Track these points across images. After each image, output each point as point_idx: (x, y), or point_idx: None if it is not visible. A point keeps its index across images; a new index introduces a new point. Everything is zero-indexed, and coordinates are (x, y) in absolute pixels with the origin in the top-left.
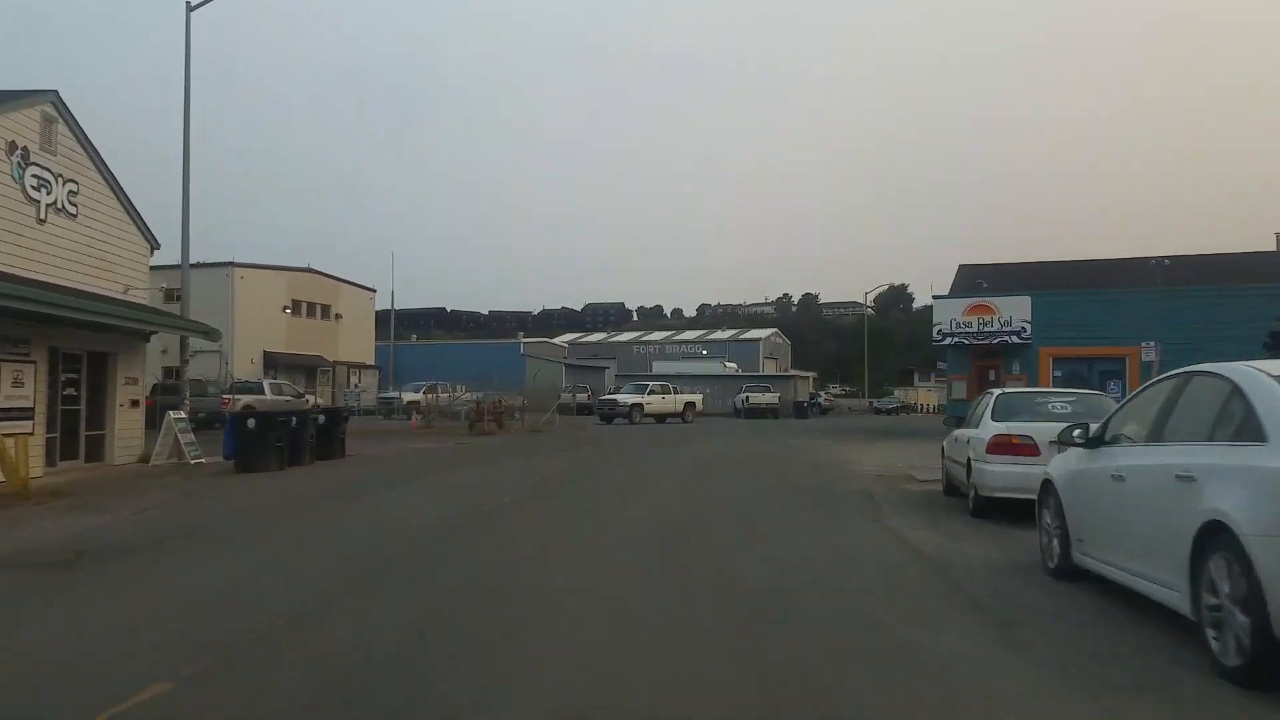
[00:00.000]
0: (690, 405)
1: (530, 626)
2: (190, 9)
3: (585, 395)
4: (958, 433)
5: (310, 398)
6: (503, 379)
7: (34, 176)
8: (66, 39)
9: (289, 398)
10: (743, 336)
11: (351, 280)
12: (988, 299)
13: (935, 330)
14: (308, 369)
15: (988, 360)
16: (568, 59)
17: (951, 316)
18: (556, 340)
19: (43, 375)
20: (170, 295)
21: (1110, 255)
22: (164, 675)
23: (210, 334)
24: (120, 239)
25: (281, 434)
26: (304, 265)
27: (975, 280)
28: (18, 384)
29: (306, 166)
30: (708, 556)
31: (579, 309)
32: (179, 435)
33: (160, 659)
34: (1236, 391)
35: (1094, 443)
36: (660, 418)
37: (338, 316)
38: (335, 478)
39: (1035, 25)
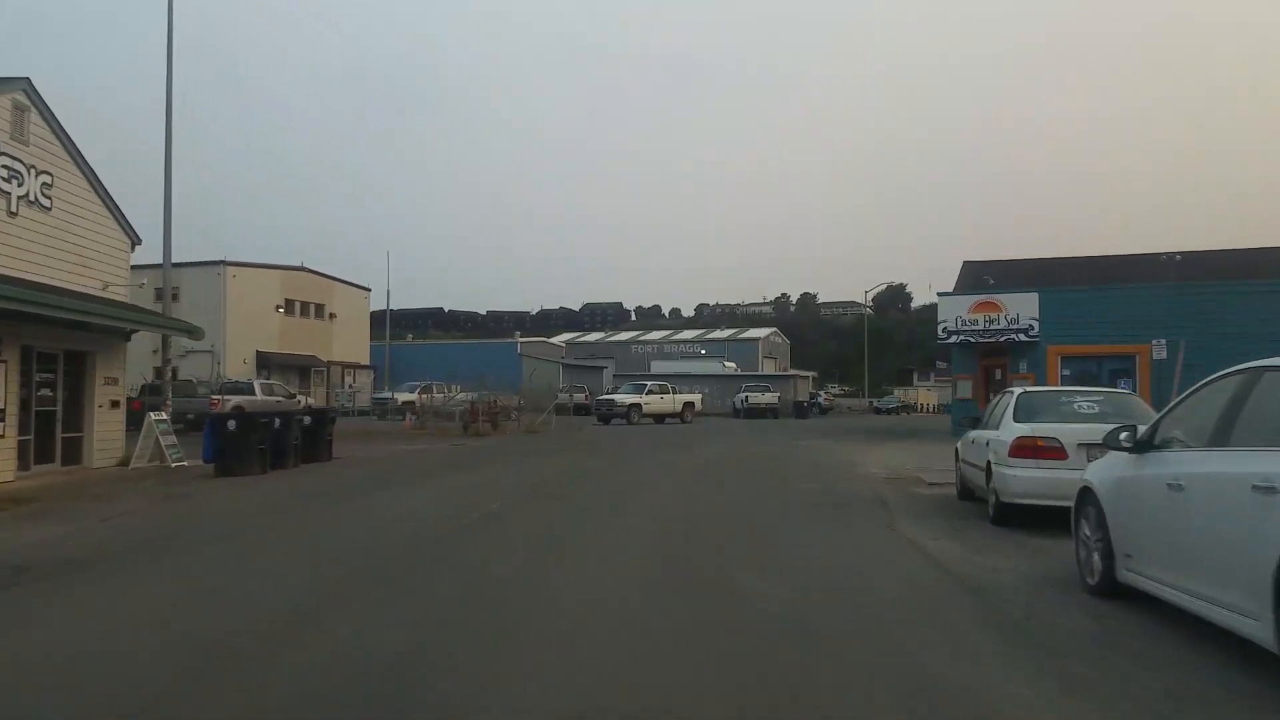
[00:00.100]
0: (689, 405)
1: (530, 626)
2: None
3: (583, 395)
4: (974, 434)
5: (303, 398)
6: (499, 379)
7: (4, 167)
8: (66, 39)
9: (280, 398)
10: (741, 336)
11: (346, 279)
12: (994, 296)
13: (940, 328)
14: (301, 369)
15: (994, 359)
16: (567, 59)
17: (957, 314)
18: (554, 340)
19: (14, 375)
20: (161, 294)
21: (1114, 253)
22: None
23: (194, 332)
24: (99, 234)
25: (264, 436)
26: (298, 264)
27: (981, 277)
28: None
29: (306, 166)
30: (709, 557)
31: (577, 309)
32: (160, 437)
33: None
34: None
35: (1142, 446)
36: (659, 418)
37: (332, 316)
38: (319, 482)
39: (1035, 25)
